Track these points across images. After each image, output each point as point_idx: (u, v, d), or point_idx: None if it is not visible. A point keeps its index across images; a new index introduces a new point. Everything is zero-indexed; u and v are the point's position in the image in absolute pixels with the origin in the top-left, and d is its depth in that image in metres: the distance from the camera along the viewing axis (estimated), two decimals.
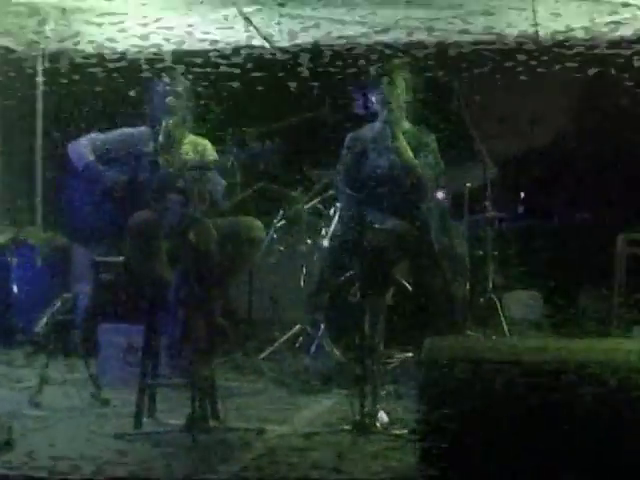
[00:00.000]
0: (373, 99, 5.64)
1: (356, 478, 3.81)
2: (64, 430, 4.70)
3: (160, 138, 4.89)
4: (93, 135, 5.16)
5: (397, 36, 6.80)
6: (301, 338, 6.48)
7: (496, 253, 6.58)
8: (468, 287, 6.25)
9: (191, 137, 5.19)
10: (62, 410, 5.09)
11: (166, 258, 4.60)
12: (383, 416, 4.56)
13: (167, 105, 4.99)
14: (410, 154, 5.37)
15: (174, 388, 5.01)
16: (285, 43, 7.01)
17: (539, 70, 6.25)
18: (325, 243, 6.50)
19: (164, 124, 4.92)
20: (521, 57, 6.25)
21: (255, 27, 6.77)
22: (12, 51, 7.20)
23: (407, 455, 3.91)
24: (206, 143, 5.21)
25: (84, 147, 5.03)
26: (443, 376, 3.43)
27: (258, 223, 5.01)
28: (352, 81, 6.19)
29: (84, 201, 4.96)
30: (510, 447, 3.33)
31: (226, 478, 3.85)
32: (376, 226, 5.34)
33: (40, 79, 7.38)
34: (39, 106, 7.79)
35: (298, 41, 6.85)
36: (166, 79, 5.10)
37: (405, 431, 4.31)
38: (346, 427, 4.50)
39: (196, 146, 5.15)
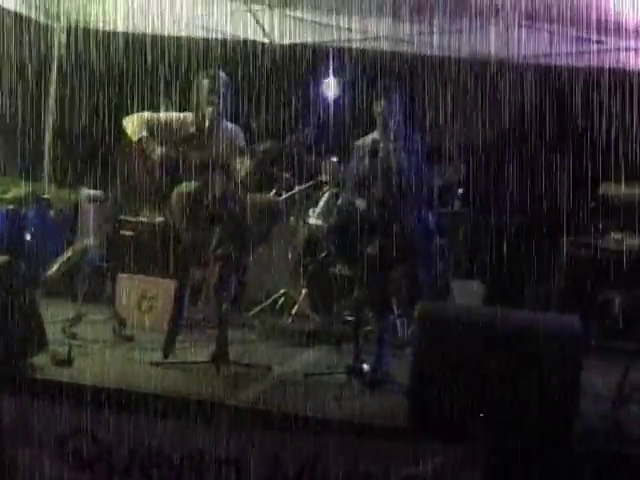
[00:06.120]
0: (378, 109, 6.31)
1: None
2: (103, 356, 5.66)
3: (206, 123, 5.75)
4: (146, 113, 5.92)
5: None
6: (282, 301, 7.44)
7: (457, 244, 7.52)
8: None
9: (225, 123, 5.99)
10: (95, 341, 5.99)
11: (205, 222, 5.45)
12: (365, 366, 5.53)
13: (209, 97, 5.82)
14: (402, 157, 6.16)
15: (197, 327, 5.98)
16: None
17: None
18: (312, 221, 7.42)
19: (209, 111, 5.78)
20: None
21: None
22: None
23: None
24: (237, 129, 6.04)
25: (139, 122, 5.83)
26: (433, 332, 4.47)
27: (279, 199, 5.93)
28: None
29: (135, 168, 5.81)
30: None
31: (246, 400, 4.83)
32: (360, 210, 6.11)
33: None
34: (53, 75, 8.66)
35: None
36: (209, 74, 5.89)
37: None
38: (337, 371, 5.54)
39: (229, 131, 5.98)
